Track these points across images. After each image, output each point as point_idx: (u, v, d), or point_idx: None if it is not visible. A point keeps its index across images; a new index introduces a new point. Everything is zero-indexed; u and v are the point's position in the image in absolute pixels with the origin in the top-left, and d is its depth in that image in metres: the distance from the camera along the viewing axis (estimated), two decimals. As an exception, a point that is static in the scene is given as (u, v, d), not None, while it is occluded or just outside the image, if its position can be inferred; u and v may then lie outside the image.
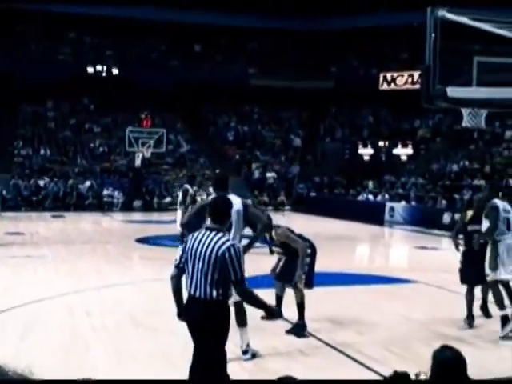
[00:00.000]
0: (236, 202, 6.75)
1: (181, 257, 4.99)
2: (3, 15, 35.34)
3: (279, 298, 8.47)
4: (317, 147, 39.50)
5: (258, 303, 5.02)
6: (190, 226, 7.11)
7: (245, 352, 6.94)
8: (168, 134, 34.60)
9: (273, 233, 8.34)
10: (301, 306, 8.19)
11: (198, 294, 4.80)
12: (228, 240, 4.86)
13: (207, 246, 4.79)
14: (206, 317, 4.75)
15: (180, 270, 4.99)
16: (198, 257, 4.81)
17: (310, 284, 8.20)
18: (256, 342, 7.58)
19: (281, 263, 8.48)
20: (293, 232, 8.46)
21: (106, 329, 8.32)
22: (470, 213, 8.94)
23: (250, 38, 41.37)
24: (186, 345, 7.47)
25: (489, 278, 8.34)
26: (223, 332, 4.84)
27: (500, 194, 8.90)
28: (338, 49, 40.88)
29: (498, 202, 8.47)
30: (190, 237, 5.00)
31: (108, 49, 40.60)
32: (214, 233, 4.86)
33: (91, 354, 7.19)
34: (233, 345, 6.72)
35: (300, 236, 8.45)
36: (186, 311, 4.95)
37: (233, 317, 6.66)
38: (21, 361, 6.76)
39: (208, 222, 5.04)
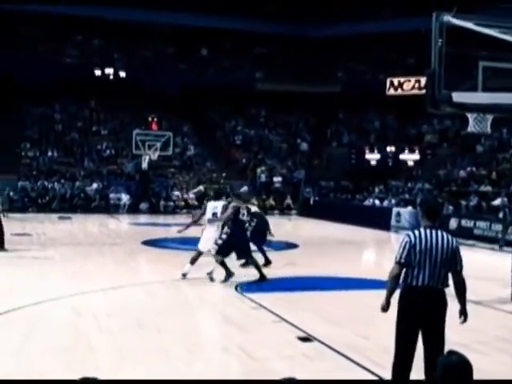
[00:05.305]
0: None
1: (402, 256, 5.42)
2: (5, 17, 35.40)
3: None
4: (323, 152, 39.50)
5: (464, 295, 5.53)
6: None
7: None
8: (175, 137, 34.73)
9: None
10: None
11: (436, 283, 5.36)
12: (452, 235, 5.47)
13: (441, 241, 5.37)
14: (444, 302, 5.36)
15: (402, 266, 5.45)
16: (434, 251, 5.34)
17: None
18: (256, 347, 7.58)
19: None
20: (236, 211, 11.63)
21: (110, 330, 8.32)
22: None
23: (256, 43, 41.42)
24: (190, 345, 7.54)
25: None
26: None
27: None
28: (345, 54, 40.94)
29: None
30: (412, 236, 5.43)
31: (115, 52, 40.72)
32: (435, 230, 5.45)
33: (95, 355, 7.18)
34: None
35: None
36: (418, 300, 5.37)
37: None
38: (22, 360, 6.83)
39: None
